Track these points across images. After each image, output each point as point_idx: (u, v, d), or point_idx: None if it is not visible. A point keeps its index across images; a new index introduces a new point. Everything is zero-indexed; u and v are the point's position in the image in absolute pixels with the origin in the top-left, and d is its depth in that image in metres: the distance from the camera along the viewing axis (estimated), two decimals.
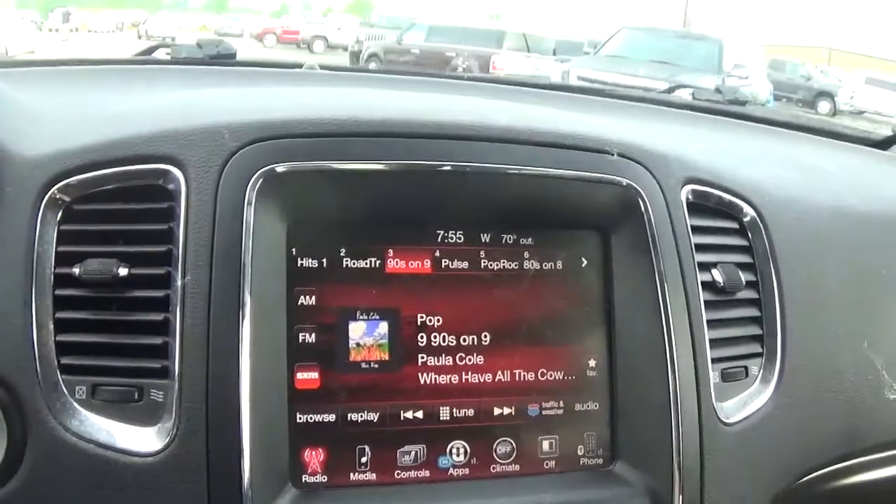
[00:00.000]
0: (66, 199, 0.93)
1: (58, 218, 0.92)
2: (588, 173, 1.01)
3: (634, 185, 1.02)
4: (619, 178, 1.02)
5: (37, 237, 0.91)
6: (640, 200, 1.02)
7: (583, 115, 1.13)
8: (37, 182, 0.92)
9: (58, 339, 0.90)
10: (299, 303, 0.93)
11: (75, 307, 0.91)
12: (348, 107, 1.01)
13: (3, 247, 0.91)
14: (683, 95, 1.53)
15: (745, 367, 1.10)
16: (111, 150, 0.94)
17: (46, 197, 0.92)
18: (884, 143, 1.65)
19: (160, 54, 1.56)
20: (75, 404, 0.89)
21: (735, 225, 1.14)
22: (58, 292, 0.91)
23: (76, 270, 0.90)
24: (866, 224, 1.29)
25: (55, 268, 0.91)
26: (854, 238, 1.26)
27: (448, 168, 0.96)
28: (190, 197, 0.91)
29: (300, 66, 1.45)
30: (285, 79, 1.28)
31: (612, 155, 1.03)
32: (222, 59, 1.44)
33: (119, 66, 1.44)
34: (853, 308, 1.21)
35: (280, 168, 0.92)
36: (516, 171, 0.98)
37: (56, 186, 0.92)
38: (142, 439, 0.88)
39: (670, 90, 1.55)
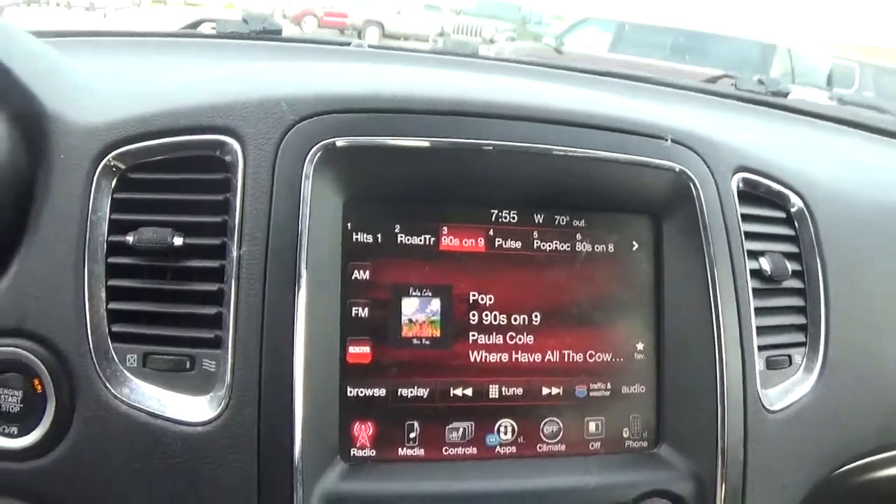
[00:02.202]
0: (121, 167, 0.93)
1: (112, 186, 0.93)
2: (642, 158, 1.01)
3: (687, 171, 1.02)
4: (672, 164, 1.02)
5: (91, 205, 0.91)
6: (692, 186, 1.02)
7: (636, 101, 1.13)
8: (92, 150, 0.92)
9: (110, 307, 0.90)
10: (353, 277, 0.93)
11: (128, 275, 0.91)
12: (405, 84, 1.01)
13: (57, 214, 0.91)
14: (727, 85, 1.52)
15: (789, 356, 1.10)
16: (168, 120, 0.94)
17: (101, 165, 0.92)
18: None
19: (205, 28, 1.57)
20: (126, 372, 0.90)
21: (782, 214, 1.15)
22: (111, 260, 0.91)
23: (130, 239, 0.91)
24: None
25: (108, 236, 0.91)
26: None
27: (504, 148, 0.96)
28: (247, 169, 0.91)
29: (348, 43, 1.46)
30: (334, 56, 1.28)
31: (667, 141, 1.03)
32: (268, 34, 1.44)
33: (165, 39, 1.44)
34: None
35: (339, 142, 0.92)
36: (572, 154, 0.98)
37: (111, 154, 0.92)
38: (193, 409, 0.89)
39: (714, 79, 1.55)
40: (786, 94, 1.51)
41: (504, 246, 0.98)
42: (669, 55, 10.04)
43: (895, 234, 1.26)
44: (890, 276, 1.22)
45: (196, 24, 1.58)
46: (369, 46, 1.41)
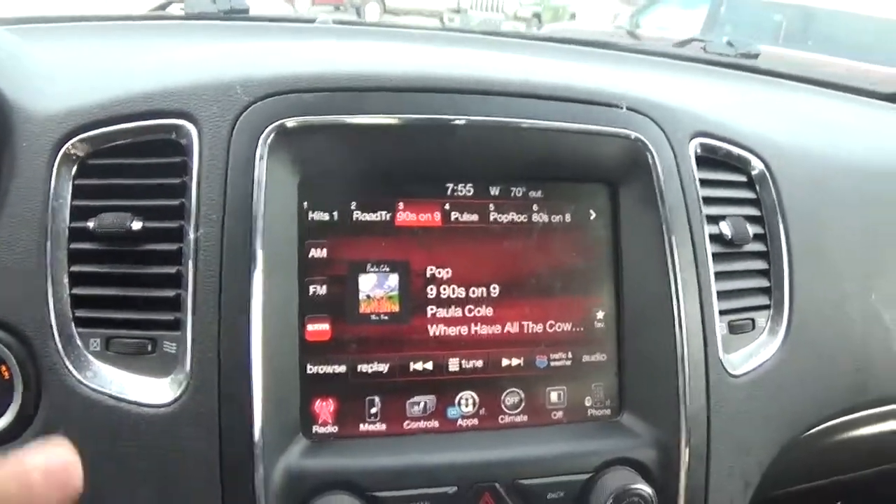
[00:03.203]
0: (81, 154, 0.94)
1: (73, 173, 0.93)
2: (597, 126, 1.01)
3: (643, 138, 1.02)
4: (627, 132, 1.02)
5: (52, 191, 0.92)
6: (648, 154, 1.02)
7: (594, 69, 1.13)
8: (52, 137, 0.93)
9: (73, 292, 0.91)
10: (310, 256, 0.94)
11: (90, 261, 0.92)
12: (359, 61, 1.01)
13: (18, 201, 0.92)
14: (696, 48, 1.52)
15: (753, 320, 1.10)
16: (125, 105, 0.95)
17: (61, 152, 0.93)
18: (894, 97, 1.64)
19: (174, 9, 1.57)
20: (89, 356, 0.91)
21: (743, 178, 1.14)
22: (73, 246, 0.92)
23: (91, 224, 0.91)
24: (875, 178, 1.29)
25: (70, 222, 0.92)
26: (863, 192, 1.26)
27: (458, 122, 0.96)
28: (202, 151, 0.92)
29: (313, 20, 1.46)
30: (298, 34, 1.28)
31: (622, 108, 1.03)
32: (235, 13, 1.44)
33: (133, 23, 1.44)
34: (861, 262, 1.22)
35: (290, 122, 0.92)
36: (525, 125, 0.98)
37: (71, 141, 0.93)
38: (155, 391, 0.90)
39: (683, 43, 1.54)
40: (755, 56, 1.50)
41: (460, 219, 0.98)
42: (784, 40, 7.61)
43: (858, 194, 1.26)
44: (854, 236, 1.22)
45: (165, 6, 1.58)
46: (334, 22, 1.41)
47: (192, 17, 1.49)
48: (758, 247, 1.12)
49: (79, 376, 0.90)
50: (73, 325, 0.91)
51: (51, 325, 0.90)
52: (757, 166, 1.14)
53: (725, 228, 1.08)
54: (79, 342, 0.91)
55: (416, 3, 18.99)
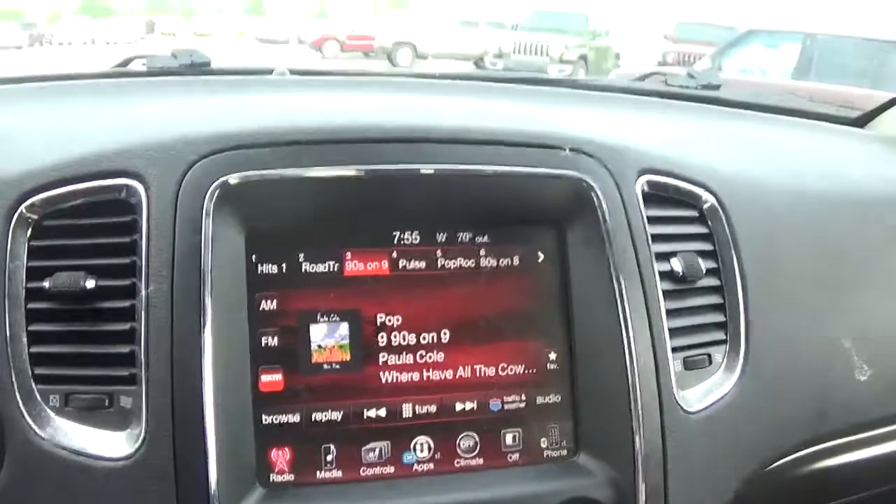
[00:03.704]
0: (35, 216, 0.95)
1: (28, 234, 0.95)
2: (540, 169, 1.02)
3: (587, 179, 1.03)
4: (571, 173, 1.03)
5: (7, 254, 0.94)
6: (593, 194, 1.03)
7: (540, 109, 1.14)
8: (6, 201, 0.95)
9: (31, 350, 0.93)
10: (261, 308, 0.95)
11: (47, 319, 0.94)
12: (305, 114, 1.03)
13: None
14: (657, 81, 1.53)
15: (709, 355, 1.10)
16: (76, 167, 0.96)
17: (16, 215, 0.95)
18: (859, 121, 1.65)
19: (136, 65, 1.58)
20: (49, 412, 0.92)
21: (694, 213, 1.15)
22: (30, 306, 0.93)
23: (46, 284, 0.93)
24: (830, 205, 1.30)
25: (26, 282, 0.94)
26: (817, 219, 1.27)
27: (399, 170, 0.98)
28: (151, 210, 0.94)
29: (270, 71, 1.48)
30: (253, 86, 1.30)
31: (565, 150, 1.04)
32: (196, 67, 1.46)
33: (95, 81, 1.46)
34: (819, 290, 1.22)
35: (233, 179, 0.94)
36: (468, 171, 1.00)
37: (24, 204, 0.95)
38: (112, 445, 0.91)
39: (644, 77, 1.56)
40: (717, 87, 1.51)
41: (408, 267, 0.99)
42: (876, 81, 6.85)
43: (812, 222, 1.26)
44: (810, 264, 1.22)
45: (127, 62, 1.60)
46: (290, 72, 1.43)
47: (154, 74, 1.51)
48: (712, 281, 1.12)
49: (40, 432, 0.91)
50: (32, 382, 0.92)
51: (12, 383, 0.91)
52: (708, 200, 1.14)
53: (676, 265, 1.09)
54: (39, 399, 0.92)
55: (450, 47, 18.77)
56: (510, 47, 16.98)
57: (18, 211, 0.95)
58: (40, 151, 1.00)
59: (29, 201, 0.95)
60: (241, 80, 1.33)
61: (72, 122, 1.11)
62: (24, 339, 0.93)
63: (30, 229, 0.95)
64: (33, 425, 0.91)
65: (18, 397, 0.91)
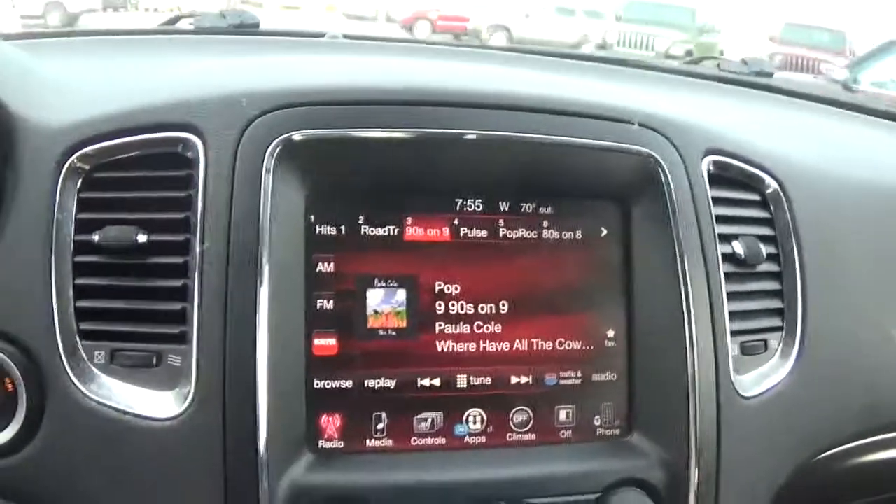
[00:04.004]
0: (86, 167, 0.93)
1: (78, 186, 0.93)
2: (609, 142, 1.00)
3: (655, 155, 1.01)
4: (639, 148, 1.01)
5: (56, 205, 0.92)
6: (660, 171, 1.01)
7: (607, 85, 1.12)
8: (57, 151, 0.93)
9: (77, 305, 0.91)
10: (317, 270, 0.93)
11: (95, 274, 0.92)
12: (368, 75, 1.01)
13: (23, 214, 0.92)
14: (710, 66, 1.51)
15: (765, 341, 1.09)
16: (130, 118, 0.94)
17: (66, 165, 0.93)
18: None
19: (184, 24, 1.57)
20: (94, 369, 0.90)
21: (757, 197, 1.13)
22: (77, 259, 0.92)
23: (96, 237, 0.91)
24: (890, 200, 1.28)
25: (75, 235, 0.92)
26: (878, 215, 1.25)
27: (468, 136, 0.96)
28: (208, 165, 0.92)
29: (323, 35, 1.45)
30: (307, 48, 1.28)
31: (634, 124, 1.02)
32: (245, 28, 1.44)
33: (142, 37, 1.44)
34: (875, 285, 1.21)
35: (297, 136, 0.92)
36: (536, 140, 0.98)
37: (76, 155, 0.93)
38: (159, 404, 0.89)
39: (696, 61, 1.54)
40: (769, 75, 1.49)
41: (469, 235, 0.97)
42: None
43: (873, 216, 1.24)
44: (867, 258, 1.20)
45: (175, 21, 1.58)
46: (344, 37, 1.41)
47: (202, 32, 1.49)
48: (771, 267, 1.11)
49: (83, 389, 0.89)
50: (77, 337, 0.90)
51: (55, 338, 0.89)
52: (771, 185, 1.12)
53: (738, 248, 1.07)
54: (83, 355, 0.90)
55: (543, 33, 17.93)
56: (614, 38, 16.84)
57: (69, 161, 0.93)
58: (93, 102, 0.98)
59: (80, 152, 0.93)
60: (295, 42, 1.32)
61: (125, 75, 1.09)
62: (70, 293, 0.91)
63: (80, 180, 0.93)
64: (76, 381, 0.89)
65: (62, 352, 0.89)
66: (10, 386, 0.89)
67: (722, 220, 1.06)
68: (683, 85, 1.36)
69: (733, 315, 1.04)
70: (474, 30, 18.98)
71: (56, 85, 1.03)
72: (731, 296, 1.04)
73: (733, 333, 1.04)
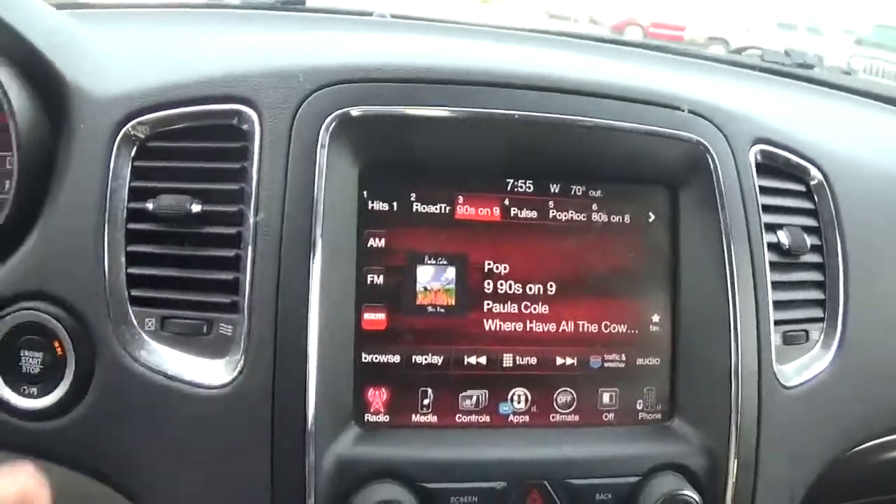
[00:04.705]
0: (141, 136, 0.94)
1: (132, 154, 0.94)
2: (659, 128, 1.00)
3: (704, 142, 1.02)
4: (689, 135, 1.01)
5: (111, 172, 0.93)
6: (709, 158, 1.01)
7: (656, 71, 1.12)
8: (112, 119, 0.94)
9: (129, 271, 0.92)
10: (369, 245, 0.94)
11: (147, 241, 0.93)
12: (422, 54, 1.01)
13: (78, 181, 0.93)
14: (753, 56, 1.50)
15: (806, 331, 1.09)
16: (186, 90, 0.95)
17: (121, 133, 0.94)
18: None
19: None
20: (144, 336, 0.91)
21: (802, 187, 1.14)
22: (130, 226, 0.92)
23: (150, 205, 0.92)
24: None
25: (128, 202, 0.93)
26: None
27: (521, 117, 0.96)
28: (264, 137, 0.92)
29: (370, 13, 1.46)
30: (356, 25, 1.28)
31: (683, 111, 1.02)
32: (292, 4, 1.44)
33: (189, 10, 1.45)
34: None
35: (354, 111, 0.92)
36: (588, 123, 0.98)
37: (131, 123, 0.94)
38: (208, 372, 0.90)
39: (740, 50, 1.53)
40: (812, 67, 1.49)
41: (520, 215, 0.98)
42: None
43: None
44: None
45: None
46: (391, 16, 1.41)
47: (248, 7, 1.49)
48: (814, 258, 1.11)
49: (133, 354, 0.90)
50: (128, 304, 0.91)
51: (106, 304, 0.90)
52: (816, 176, 1.13)
53: (783, 237, 1.07)
54: (134, 321, 0.91)
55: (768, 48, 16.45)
56: (860, 65, 15.56)
57: (124, 129, 0.94)
58: (148, 73, 0.99)
59: (136, 120, 0.94)
60: (343, 20, 1.32)
61: (179, 47, 1.10)
62: (122, 260, 0.92)
63: (134, 149, 0.94)
64: (126, 347, 0.90)
65: (112, 318, 0.90)
66: (59, 349, 0.90)
67: (767, 209, 1.06)
68: (726, 73, 1.35)
69: (776, 304, 1.04)
70: (691, 40, 16.50)
71: (110, 54, 1.04)
72: (775, 285, 1.05)
73: (776, 323, 1.04)
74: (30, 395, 0.90)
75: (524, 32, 1.27)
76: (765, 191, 1.07)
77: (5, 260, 0.92)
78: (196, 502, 0.91)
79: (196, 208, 0.92)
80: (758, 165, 1.07)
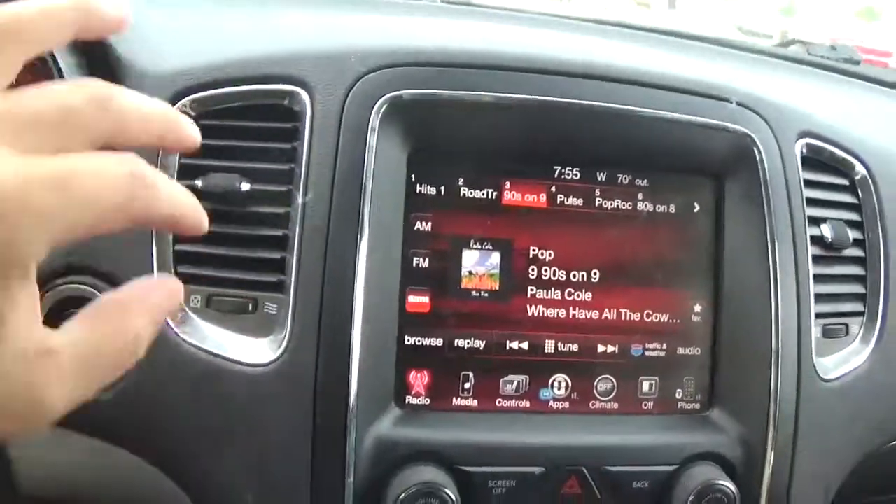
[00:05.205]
0: (191, 113, 0.94)
1: None
2: (707, 119, 1.00)
3: (751, 134, 1.02)
4: (736, 127, 1.01)
5: (161, 149, 0.93)
6: (755, 150, 1.01)
7: (702, 62, 1.12)
8: (163, 96, 0.93)
9: (176, 248, 0.92)
10: (415, 228, 0.94)
11: None
12: (474, 39, 1.01)
13: None
14: (799, 50, 1.49)
15: (846, 325, 1.10)
16: (239, 69, 0.95)
17: None
18: None
19: None
20: (189, 313, 0.92)
21: (846, 182, 1.13)
22: None
23: (199, 183, 0.92)
24: None
25: (178, 179, 0.93)
26: None
27: (569, 105, 0.96)
28: (315, 118, 0.93)
29: None
30: (409, 10, 1.28)
31: (732, 103, 1.02)
32: None
33: None
34: None
35: (405, 94, 0.93)
36: (636, 113, 0.98)
37: (182, 101, 0.94)
38: (253, 350, 0.91)
39: (785, 44, 1.53)
40: (857, 62, 1.48)
41: (566, 202, 0.98)
42: None
43: None
44: None
45: None
46: (442, 1, 1.40)
47: None
48: (856, 252, 1.11)
49: (178, 331, 0.90)
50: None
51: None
52: (860, 171, 1.13)
53: (826, 231, 1.07)
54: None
55: None
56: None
57: (176, 107, 0.94)
58: (204, 50, 0.99)
59: (187, 98, 0.94)
60: (398, 3, 1.31)
61: (230, 25, 1.09)
62: (170, 237, 0.92)
63: None
64: (171, 323, 0.90)
65: None
66: None
67: (811, 202, 1.06)
68: (772, 66, 1.35)
69: (818, 297, 1.04)
70: None
71: (164, 31, 1.04)
72: (817, 278, 1.05)
73: (817, 316, 1.04)
74: None
75: (573, 21, 1.27)
76: (809, 184, 1.07)
77: None
78: (236, 479, 0.91)
79: (245, 187, 0.92)
80: (803, 158, 1.07)
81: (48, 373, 0.46)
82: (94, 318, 0.51)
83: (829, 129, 1.11)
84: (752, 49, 1.34)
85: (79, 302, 0.90)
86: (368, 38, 0.99)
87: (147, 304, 0.54)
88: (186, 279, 0.92)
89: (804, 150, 1.08)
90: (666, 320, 1.01)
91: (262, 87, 0.95)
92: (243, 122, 0.95)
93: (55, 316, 0.90)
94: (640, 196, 1.00)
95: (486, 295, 0.96)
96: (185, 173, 0.93)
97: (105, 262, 0.91)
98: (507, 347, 0.97)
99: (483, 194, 0.96)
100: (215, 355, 0.90)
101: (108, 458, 0.94)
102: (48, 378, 0.46)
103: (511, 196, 0.97)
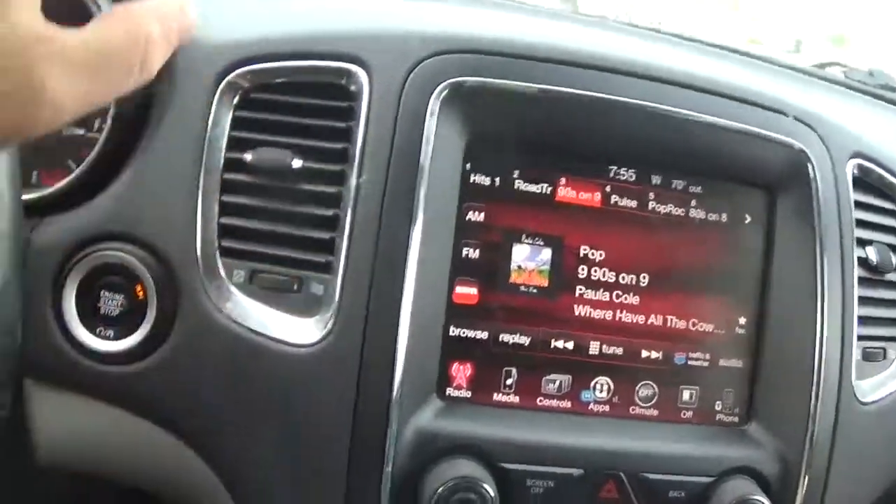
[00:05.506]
0: (245, 85, 0.93)
1: (234, 103, 0.93)
2: (764, 131, 1.00)
3: (806, 150, 1.01)
4: (792, 141, 1.01)
5: (211, 119, 0.91)
6: (809, 166, 1.01)
7: (758, 75, 1.11)
8: (216, 66, 0.92)
9: (221, 221, 0.90)
10: (468, 218, 0.93)
11: (242, 192, 0.91)
12: (539, 32, 1.00)
13: (176, 125, 0.91)
14: (837, 72, 1.49)
15: (884, 349, 1.09)
16: (297, 44, 0.94)
17: (225, 81, 0.92)
18: None
19: None
20: (232, 287, 0.90)
21: (892, 206, 1.13)
22: (226, 176, 0.91)
23: (248, 157, 0.91)
24: None
25: (227, 152, 0.92)
26: None
27: (631, 105, 0.95)
28: (372, 99, 0.91)
29: None
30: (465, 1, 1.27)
31: (789, 117, 1.02)
32: None
33: None
34: None
35: (467, 81, 0.92)
36: (695, 118, 0.97)
37: (236, 72, 0.93)
38: (296, 330, 0.89)
39: (823, 65, 1.52)
40: (894, 89, 1.48)
41: (620, 204, 0.97)
42: None
43: None
44: None
45: None
46: None
47: None
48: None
49: (218, 305, 0.88)
50: (217, 254, 0.90)
51: (195, 252, 0.89)
52: None
53: (871, 253, 1.07)
54: (222, 272, 0.90)
55: None
56: None
57: (228, 78, 0.92)
58: (260, 22, 0.98)
59: (241, 69, 0.93)
60: None
61: (289, 1, 1.08)
62: (216, 209, 0.90)
63: (237, 98, 0.93)
64: (212, 297, 0.88)
65: (201, 266, 0.89)
66: (140, 294, 0.89)
67: (859, 224, 1.06)
68: (817, 86, 1.35)
69: (860, 319, 1.04)
70: None
71: (217, 1, 1.03)
72: (860, 300, 1.04)
73: (859, 338, 1.04)
74: (106, 337, 0.89)
75: (637, 28, 1.26)
76: (858, 205, 1.07)
77: (93, 198, 0.91)
78: (269, 461, 0.89)
79: (297, 164, 0.91)
80: (853, 179, 1.07)
81: (50, 59, 0.48)
82: (105, 19, 0.54)
83: (878, 151, 1.12)
84: (794, 67, 1.34)
85: (116, 270, 0.89)
86: (430, 23, 0.98)
87: (159, 12, 0.58)
88: (230, 253, 0.90)
89: (855, 171, 1.08)
90: (710, 330, 1.00)
91: (320, 63, 0.94)
92: (298, 98, 0.93)
93: (91, 285, 0.89)
94: (693, 203, 0.99)
95: (535, 291, 0.95)
96: (234, 146, 0.92)
97: (146, 230, 0.89)
98: (552, 346, 0.95)
99: (538, 189, 0.95)
100: (256, 333, 0.88)
101: (133, 433, 0.92)
102: (49, 64, 0.48)
103: (565, 193, 0.96)
